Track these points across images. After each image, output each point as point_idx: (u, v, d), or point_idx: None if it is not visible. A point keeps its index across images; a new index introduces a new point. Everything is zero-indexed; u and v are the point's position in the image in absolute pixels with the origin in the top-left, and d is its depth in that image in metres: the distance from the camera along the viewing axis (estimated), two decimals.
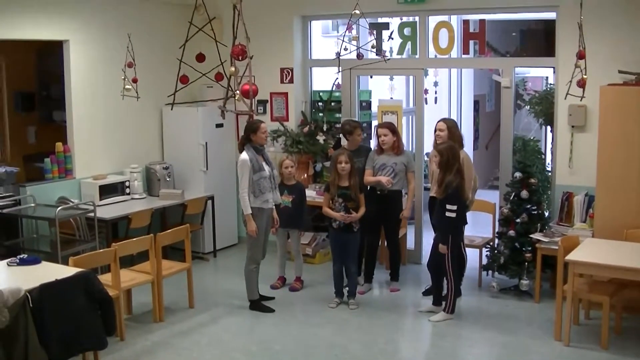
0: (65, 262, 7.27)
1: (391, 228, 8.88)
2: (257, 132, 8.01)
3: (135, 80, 7.87)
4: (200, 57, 6.60)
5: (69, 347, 6.08)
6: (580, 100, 6.17)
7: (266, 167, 8.11)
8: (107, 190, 9.44)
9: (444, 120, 8.68)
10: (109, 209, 9.17)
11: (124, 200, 9.66)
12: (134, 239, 7.81)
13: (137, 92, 7.85)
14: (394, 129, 8.67)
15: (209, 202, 10.32)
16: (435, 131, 8.50)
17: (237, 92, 4.72)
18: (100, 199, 9.26)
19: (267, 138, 8.69)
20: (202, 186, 10.40)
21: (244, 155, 8.02)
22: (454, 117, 14.91)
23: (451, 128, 8.41)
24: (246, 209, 7.97)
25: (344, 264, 8.33)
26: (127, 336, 7.40)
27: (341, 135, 9.37)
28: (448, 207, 7.64)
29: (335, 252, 8.46)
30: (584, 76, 5.87)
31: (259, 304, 8.29)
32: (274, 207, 8.29)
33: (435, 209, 8.03)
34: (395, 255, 9.05)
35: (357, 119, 10.07)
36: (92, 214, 8.71)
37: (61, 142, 9.36)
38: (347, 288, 8.45)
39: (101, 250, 7.58)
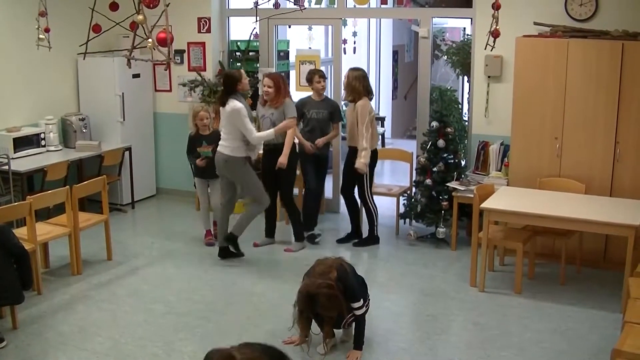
0: None
1: (282, 182, 8.49)
2: (242, 79, 8.00)
3: (47, 30, 7.66)
4: (114, 6, 6.49)
5: None
6: (492, 50, 6.22)
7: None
8: (22, 143, 9.23)
9: (352, 69, 8.65)
10: (24, 162, 8.99)
11: (40, 153, 9.46)
12: (50, 191, 7.69)
13: (49, 42, 7.65)
14: (278, 84, 8.30)
15: (126, 153, 10.19)
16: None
17: (149, 40, 4.62)
18: (15, 152, 9.05)
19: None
20: (119, 137, 10.25)
21: (237, 104, 7.82)
22: (373, 67, 15.03)
23: (349, 78, 8.39)
24: (270, 136, 8.06)
25: None
26: (45, 290, 7.32)
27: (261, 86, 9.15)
28: None
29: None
30: (497, 27, 5.92)
31: (236, 244, 8.21)
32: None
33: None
34: (291, 210, 8.72)
35: (274, 69, 10.03)
36: (6, 167, 8.53)
37: None
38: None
39: (16, 204, 7.42)
